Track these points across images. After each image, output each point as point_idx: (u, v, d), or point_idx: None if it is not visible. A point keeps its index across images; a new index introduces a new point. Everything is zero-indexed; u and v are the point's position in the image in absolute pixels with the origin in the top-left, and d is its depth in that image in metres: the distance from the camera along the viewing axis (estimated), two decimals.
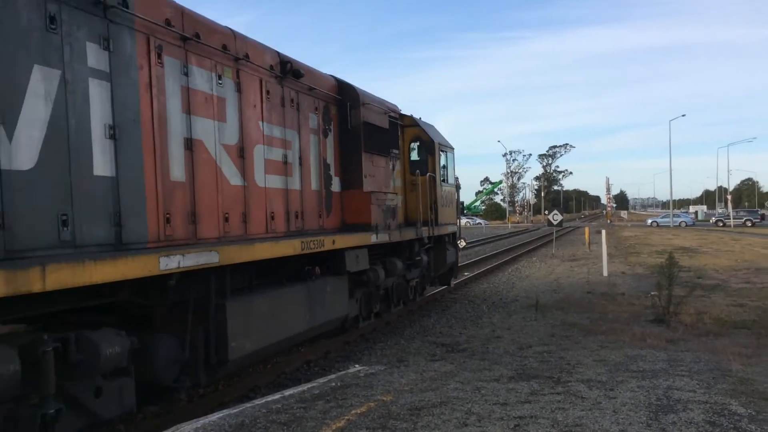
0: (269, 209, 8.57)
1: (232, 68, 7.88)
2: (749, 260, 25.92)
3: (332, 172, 10.64)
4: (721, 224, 73.81)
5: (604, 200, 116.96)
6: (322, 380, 7.94)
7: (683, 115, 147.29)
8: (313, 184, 9.95)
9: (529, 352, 9.77)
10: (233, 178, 7.77)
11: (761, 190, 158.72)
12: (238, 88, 7.97)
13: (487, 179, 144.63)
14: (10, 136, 4.77)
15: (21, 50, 4.91)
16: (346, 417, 6.02)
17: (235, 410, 6.43)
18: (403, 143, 14.00)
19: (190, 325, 6.74)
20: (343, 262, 10.12)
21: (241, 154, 7.96)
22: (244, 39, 8.18)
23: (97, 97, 5.65)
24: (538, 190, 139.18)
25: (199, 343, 6.92)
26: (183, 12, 6.97)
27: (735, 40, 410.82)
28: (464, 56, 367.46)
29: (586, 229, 39.06)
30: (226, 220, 7.54)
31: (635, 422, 5.64)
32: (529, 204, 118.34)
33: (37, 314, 5.16)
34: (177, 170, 6.72)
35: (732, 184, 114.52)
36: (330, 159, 10.57)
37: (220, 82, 7.59)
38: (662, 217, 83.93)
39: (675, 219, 77.78)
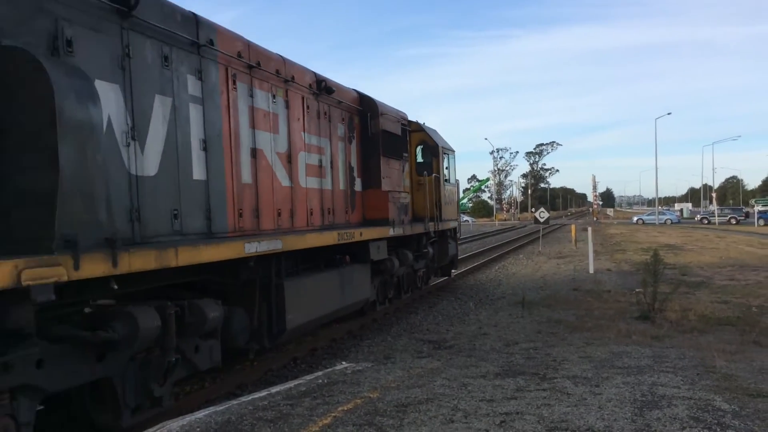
0: (309, 206, 10.20)
1: (283, 89, 9.49)
2: (733, 257, 26.16)
3: (355, 173, 12.24)
4: (706, 222, 74.38)
5: (590, 198, 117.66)
6: (308, 377, 7.94)
7: (669, 114, 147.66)
8: (341, 185, 11.54)
9: (515, 348, 9.80)
10: (284, 180, 9.40)
11: (745, 188, 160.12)
12: (287, 105, 9.59)
13: (474, 177, 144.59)
14: (142, 150, 6.30)
15: (149, 84, 6.49)
16: (333, 414, 6.02)
17: (221, 407, 6.41)
18: (411, 146, 15.31)
19: (258, 300, 8.31)
20: (368, 251, 11.68)
21: (289, 160, 9.57)
22: (291, 63, 9.80)
23: (194, 117, 7.23)
24: (525, 188, 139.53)
25: (264, 315, 8.46)
26: (249, 45, 8.54)
27: (717, 39, 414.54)
28: (452, 54, 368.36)
29: (573, 227, 39.24)
30: (279, 215, 9.17)
31: (620, 418, 5.67)
32: (516, 201, 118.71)
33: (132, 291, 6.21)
34: (246, 174, 8.30)
35: (717, 182, 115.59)
36: (354, 162, 12.18)
37: (274, 100, 9.19)
38: (648, 215, 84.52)
39: (660, 217, 78.33)
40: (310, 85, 10.38)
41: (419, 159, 15.77)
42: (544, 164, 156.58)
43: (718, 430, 5.32)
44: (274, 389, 7.23)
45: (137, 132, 6.22)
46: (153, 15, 6.55)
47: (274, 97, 9.18)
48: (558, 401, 6.29)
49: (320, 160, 10.69)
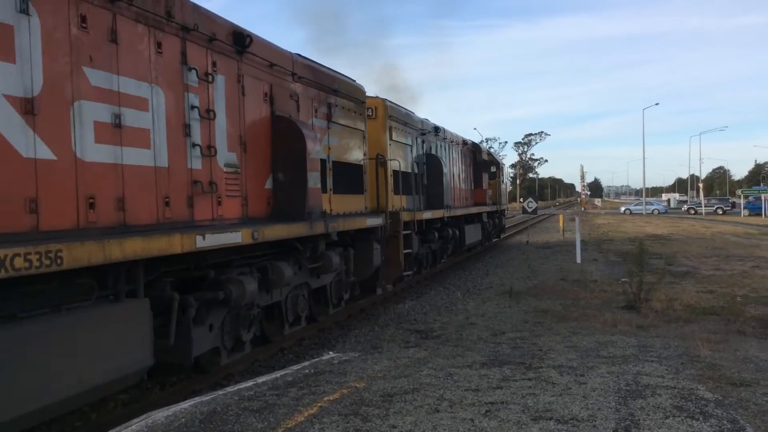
0: (462, 196, 22.55)
1: (457, 147, 22.39)
2: (719, 247, 26.35)
3: (470, 181, 24.63)
4: (693, 212, 74.83)
5: (578, 188, 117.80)
6: (295, 367, 7.92)
7: (656, 104, 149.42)
8: (469, 186, 24.22)
9: (502, 338, 9.83)
10: (457, 185, 21.91)
11: (732, 178, 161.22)
12: (458, 154, 22.39)
13: None
14: (445, 181, 19.19)
15: (444, 159, 19.88)
16: (319, 404, 6.02)
17: (206, 398, 6.39)
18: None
19: (456, 231, 20.79)
20: (481, 217, 25.50)
21: (459, 177, 22.43)
22: (456, 135, 22.54)
23: (445, 163, 19.64)
24: (514, 178, 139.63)
25: (457, 239, 20.95)
26: (445, 131, 20.77)
27: (704, 30, 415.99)
28: (439, 43, 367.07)
29: (560, 217, 39.32)
30: (457, 200, 21.45)
31: (604, 407, 5.70)
32: (505, 191, 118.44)
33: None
34: (452, 182, 21.02)
35: (704, 173, 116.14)
36: (471, 176, 24.79)
37: (455, 153, 22.12)
38: (635, 205, 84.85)
39: (648, 207, 78.70)
40: (461, 143, 23.11)
41: (488, 170, 28.24)
42: (533, 154, 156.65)
43: (701, 419, 5.36)
44: (260, 379, 7.22)
45: (443, 175, 18.95)
46: (436, 132, 19.32)
47: (455, 152, 22.03)
48: (543, 390, 6.32)
49: (465, 177, 23.49)
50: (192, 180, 7.20)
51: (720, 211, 72.11)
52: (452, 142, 21.56)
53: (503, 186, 31.51)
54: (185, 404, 6.14)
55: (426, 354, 8.65)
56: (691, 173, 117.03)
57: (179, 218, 6.92)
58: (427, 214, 16.71)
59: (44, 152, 5.25)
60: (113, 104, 6.07)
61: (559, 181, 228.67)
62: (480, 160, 25.75)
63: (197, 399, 6.36)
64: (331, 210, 10.51)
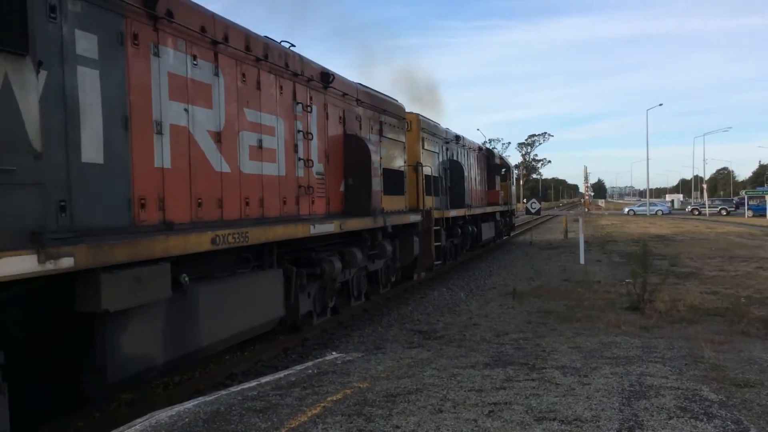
0: (478, 197, 24.89)
1: (475, 153, 25.28)
2: (723, 248, 26.28)
3: (485, 183, 26.79)
4: (697, 213, 74.68)
5: (582, 189, 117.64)
6: (298, 367, 7.93)
7: (660, 105, 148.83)
8: (483, 188, 26.32)
9: (505, 339, 9.82)
10: (476, 187, 24.82)
11: (736, 179, 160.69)
12: (474, 159, 24.72)
13: None
14: (465, 184, 21.83)
15: (464, 164, 21.99)
16: (322, 404, 6.02)
17: (210, 398, 6.39)
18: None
19: (475, 228, 23.95)
20: (495, 215, 28.19)
21: (476, 180, 24.93)
22: (472, 142, 25.26)
23: (464, 167, 21.94)
24: (517, 179, 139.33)
25: (475, 234, 23.97)
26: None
27: (706, 31, 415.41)
28: (441, 44, 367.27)
29: (564, 218, 39.30)
30: (474, 201, 23.79)
31: (608, 408, 5.69)
32: (514, 192, 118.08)
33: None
34: (471, 186, 23.46)
35: (708, 174, 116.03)
36: (485, 178, 26.85)
37: (470, 158, 24.00)
38: (639, 206, 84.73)
39: (652, 208, 78.55)
40: (476, 148, 25.40)
41: (500, 173, 30.30)
42: (536, 155, 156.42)
43: (705, 419, 5.35)
44: (263, 379, 7.22)
45: (462, 178, 21.13)
46: (457, 140, 21.40)
47: (473, 157, 24.08)
48: (546, 391, 6.31)
49: (480, 180, 25.56)
50: (298, 185, 9.63)
51: (724, 212, 71.94)
52: (470, 148, 24.09)
53: (513, 187, 34.30)
54: (189, 404, 6.14)
55: (429, 354, 8.64)
56: (695, 174, 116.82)
57: (291, 213, 9.34)
58: (453, 213, 19.55)
59: (225, 167, 7.77)
60: (258, 132, 8.55)
61: (563, 182, 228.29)
62: (493, 164, 28.23)
63: (201, 399, 6.37)
64: (382, 208, 12.70)
